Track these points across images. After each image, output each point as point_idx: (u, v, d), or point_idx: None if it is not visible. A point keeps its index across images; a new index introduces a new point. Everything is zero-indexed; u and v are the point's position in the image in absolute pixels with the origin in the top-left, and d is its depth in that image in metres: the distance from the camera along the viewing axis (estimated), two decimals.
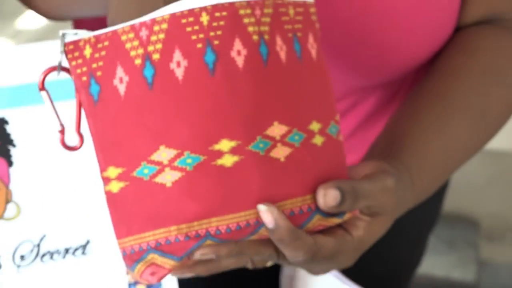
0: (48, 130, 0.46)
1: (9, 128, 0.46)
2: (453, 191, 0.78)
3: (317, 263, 0.43)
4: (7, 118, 0.46)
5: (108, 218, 0.49)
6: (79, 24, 0.67)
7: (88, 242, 0.48)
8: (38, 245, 0.46)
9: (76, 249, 0.47)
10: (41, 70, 0.44)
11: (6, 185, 0.46)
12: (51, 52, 0.47)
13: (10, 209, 0.46)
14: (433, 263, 1.49)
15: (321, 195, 0.41)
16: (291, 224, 0.40)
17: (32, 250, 0.46)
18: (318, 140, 0.45)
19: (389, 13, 0.55)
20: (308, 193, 0.43)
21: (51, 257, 0.46)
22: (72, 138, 0.43)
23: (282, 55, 0.43)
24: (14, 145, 0.46)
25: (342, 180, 0.43)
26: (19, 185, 0.46)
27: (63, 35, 0.39)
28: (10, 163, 0.46)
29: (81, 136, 0.42)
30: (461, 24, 0.58)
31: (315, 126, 0.45)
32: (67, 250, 0.47)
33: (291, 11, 0.44)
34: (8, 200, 0.46)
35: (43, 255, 0.46)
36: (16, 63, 0.46)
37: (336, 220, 0.43)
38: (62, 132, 0.42)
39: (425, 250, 0.81)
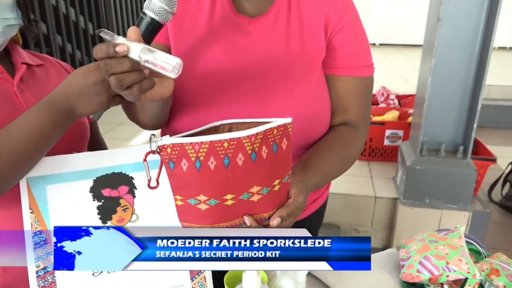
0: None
1: (134, 181, 0.91)
2: (327, 211, 1.21)
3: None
4: (133, 176, 0.91)
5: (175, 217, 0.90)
6: (164, 131, 1.06)
7: None
8: None
9: None
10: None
11: (132, 206, 0.92)
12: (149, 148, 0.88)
13: (134, 217, 0.92)
14: None
15: (271, 223, 0.71)
16: (257, 224, 0.71)
17: None
18: (276, 188, 0.69)
19: (320, 115, 0.99)
20: (266, 212, 0.71)
21: None
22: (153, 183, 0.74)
23: (264, 155, 0.63)
24: (136, 188, 0.91)
25: (282, 210, 0.72)
26: (138, 206, 0.91)
27: (156, 141, 0.65)
28: (134, 196, 0.91)
29: (158, 183, 0.72)
30: (331, 124, 1.05)
31: (276, 182, 0.68)
32: None
33: (275, 131, 0.64)
34: (133, 213, 0.91)
35: None
36: (136, 153, 0.91)
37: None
38: (149, 180, 0.70)
39: None
